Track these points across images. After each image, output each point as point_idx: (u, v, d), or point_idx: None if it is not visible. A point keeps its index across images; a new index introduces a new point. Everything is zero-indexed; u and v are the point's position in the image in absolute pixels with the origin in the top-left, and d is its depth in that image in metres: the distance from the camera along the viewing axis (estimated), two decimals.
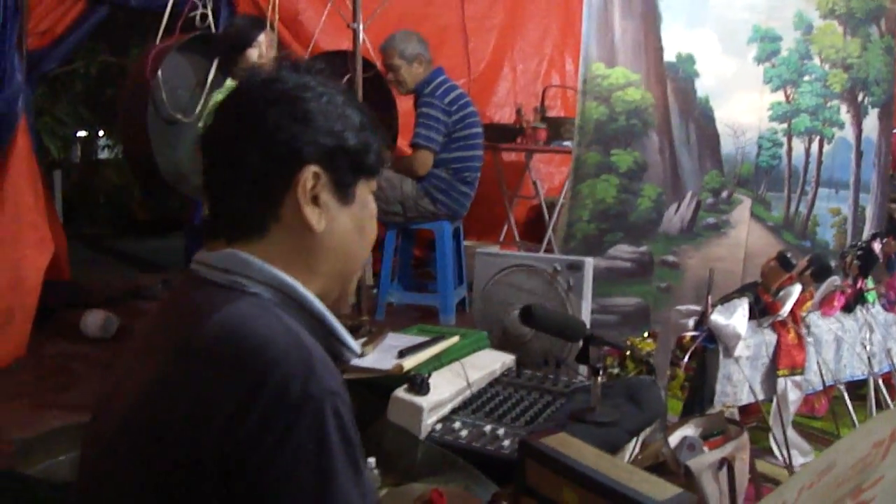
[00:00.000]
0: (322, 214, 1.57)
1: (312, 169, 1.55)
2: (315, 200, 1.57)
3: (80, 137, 12.09)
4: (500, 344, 3.75)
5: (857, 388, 4.22)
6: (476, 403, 3.12)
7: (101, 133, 11.94)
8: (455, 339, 3.48)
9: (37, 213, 4.84)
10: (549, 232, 6.92)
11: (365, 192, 1.67)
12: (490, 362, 3.43)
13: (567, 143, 6.53)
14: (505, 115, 7.95)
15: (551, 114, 7.48)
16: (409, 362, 3.18)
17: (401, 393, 3.03)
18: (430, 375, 3.12)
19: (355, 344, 1.65)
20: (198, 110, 5.10)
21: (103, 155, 12.45)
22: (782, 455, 3.38)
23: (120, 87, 7.16)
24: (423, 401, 2.98)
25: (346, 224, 1.63)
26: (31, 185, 4.84)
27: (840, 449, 1.40)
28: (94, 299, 5.67)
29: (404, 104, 6.31)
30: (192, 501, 1.32)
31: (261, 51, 4.69)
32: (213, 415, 1.31)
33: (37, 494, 2.69)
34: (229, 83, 4.69)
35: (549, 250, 6.56)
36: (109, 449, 1.45)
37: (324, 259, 1.61)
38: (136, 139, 5.01)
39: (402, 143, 6.41)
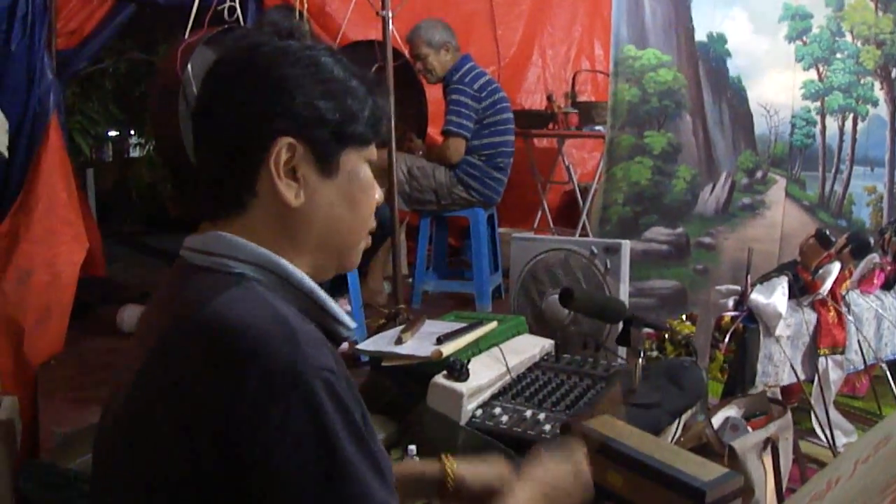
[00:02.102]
0: (300, 188, 1.51)
1: (286, 140, 1.48)
2: (293, 173, 1.50)
3: (111, 137, 12.14)
4: (538, 329, 3.73)
5: None
6: (516, 388, 3.11)
7: (132, 132, 11.99)
8: (493, 324, 3.46)
9: (71, 209, 4.86)
10: (584, 217, 6.90)
11: (354, 163, 1.59)
12: (529, 347, 3.42)
13: (599, 127, 6.52)
14: (536, 102, 7.93)
15: (582, 99, 7.46)
16: (448, 348, 3.16)
17: (440, 379, 3.03)
18: (469, 361, 3.11)
19: (349, 320, 1.59)
20: None
21: (135, 153, 12.50)
22: (825, 435, 3.35)
23: (149, 84, 7.17)
24: (462, 387, 2.97)
25: (331, 197, 1.55)
26: (65, 183, 4.86)
27: (894, 420, 1.38)
28: (130, 295, 5.68)
29: (433, 93, 6.29)
30: (193, 499, 1.30)
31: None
32: (202, 409, 1.28)
33: (77, 487, 2.70)
34: None
35: (583, 235, 6.55)
36: (110, 446, 1.44)
37: (308, 234, 1.55)
38: (167, 134, 5.01)
39: (433, 131, 6.39)
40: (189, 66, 4.79)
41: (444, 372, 3.05)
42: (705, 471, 2.03)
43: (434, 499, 1.94)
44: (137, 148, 12.10)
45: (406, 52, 5.97)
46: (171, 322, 1.41)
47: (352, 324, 1.59)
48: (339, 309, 1.56)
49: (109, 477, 1.43)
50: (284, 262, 1.49)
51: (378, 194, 1.67)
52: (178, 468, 1.29)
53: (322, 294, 1.53)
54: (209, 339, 1.32)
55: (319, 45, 1.59)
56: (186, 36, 5.09)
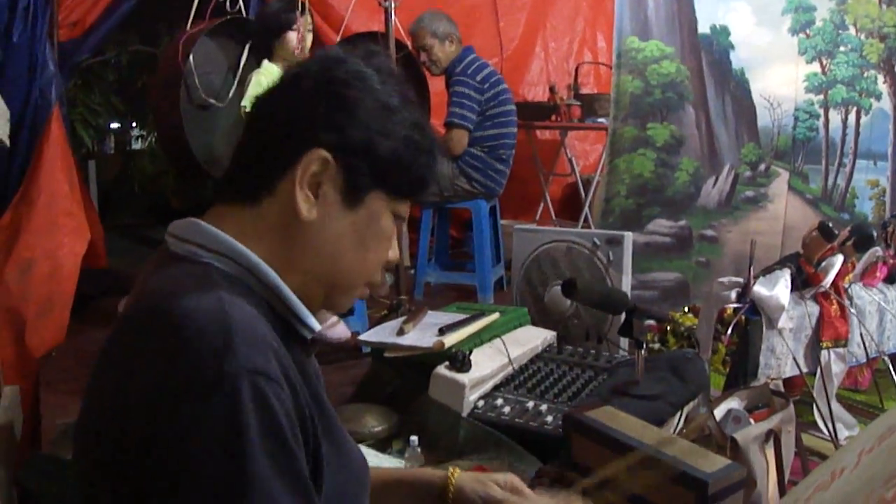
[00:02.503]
0: (315, 205, 1.46)
1: (323, 153, 1.43)
2: (315, 189, 1.46)
3: (113, 129, 12.15)
4: (541, 320, 3.73)
5: None
6: (518, 380, 3.11)
7: (134, 124, 11.99)
8: (495, 315, 3.47)
9: (72, 201, 4.85)
10: (586, 209, 6.89)
11: (380, 207, 1.52)
12: (531, 338, 3.42)
13: (601, 119, 6.51)
14: (538, 94, 7.93)
15: (585, 91, 7.45)
16: (450, 339, 3.17)
17: (442, 370, 3.03)
18: (471, 352, 3.11)
19: (314, 321, 1.51)
20: (230, 94, 5.10)
21: (136, 146, 12.50)
22: (827, 428, 3.34)
23: (151, 76, 7.17)
24: (464, 378, 2.97)
25: (343, 228, 1.50)
26: (66, 174, 4.85)
27: None
28: (131, 286, 5.67)
29: (436, 85, 6.28)
30: (125, 487, 1.25)
31: (300, 33, 4.69)
32: (131, 396, 1.24)
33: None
34: (266, 63, 4.68)
35: (586, 227, 6.54)
36: (76, 435, 1.40)
37: (305, 254, 1.49)
38: (169, 125, 5.01)
39: (436, 123, 6.38)
40: (191, 57, 4.80)
41: (446, 363, 3.05)
42: (708, 462, 2.02)
43: None
44: (139, 140, 12.11)
45: (409, 44, 5.96)
46: (130, 311, 1.40)
47: (316, 325, 1.51)
48: (304, 308, 1.49)
49: (78, 457, 1.40)
50: (253, 255, 1.44)
51: (393, 253, 1.63)
52: (110, 451, 1.26)
53: (287, 291, 1.46)
54: (149, 329, 1.29)
55: (399, 85, 1.55)
56: (188, 27, 5.09)
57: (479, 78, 5.67)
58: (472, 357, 3.07)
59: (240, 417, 1.19)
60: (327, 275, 1.52)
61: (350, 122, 1.46)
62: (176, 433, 1.19)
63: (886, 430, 1.32)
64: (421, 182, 1.57)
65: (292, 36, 4.67)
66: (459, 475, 1.86)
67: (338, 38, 5.90)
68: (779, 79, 5.09)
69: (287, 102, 1.49)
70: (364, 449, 1.84)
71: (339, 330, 4.07)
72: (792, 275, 3.65)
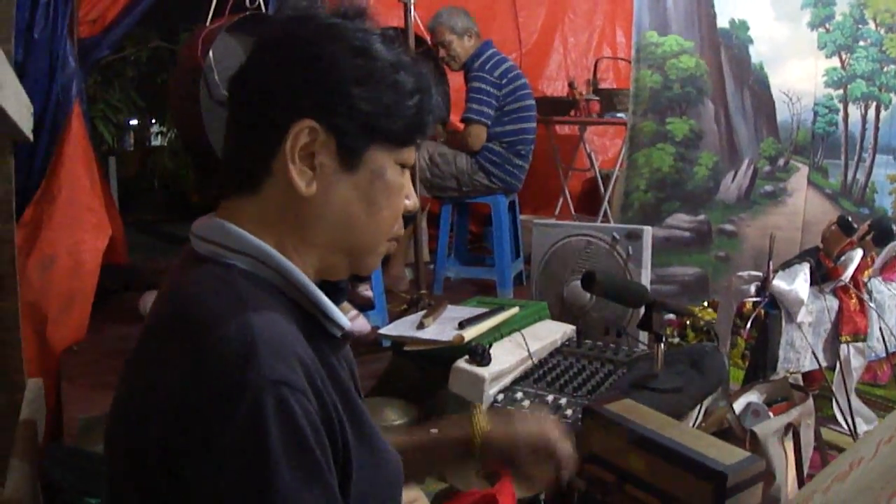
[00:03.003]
0: (314, 177, 1.41)
1: (308, 123, 1.38)
2: (310, 160, 1.41)
3: (132, 126, 12.19)
4: (560, 314, 3.75)
5: None
6: (538, 373, 3.12)
7: (153, 121, 12.03)
8: (515, 309, 3.47)
9: (93, 196, 4.86)
10: (605, 204, 6.91)
11: (381, 161, 1.47)
12: (551, 332, 3.43)
13: (620, 114, 6.52)
14: (557, 89, 7.94)
15: (604, 86, 7.47)
16: (470, 333, 3.17)
17: (462, 364, 3.03)
18: (490, 346, 3.11)
19: (343, 318, 1.48)
20: None
21: (156, 142, 12.54)
22: (846, 422, 3.34)
23: (171, 72, 7.20)
24: (484, 371, 2.98)
25: (347, 193, 1.45)
26: (87, 170, 4.87)
27: None
28: (152, 281, 5.70)
29: (455, 81, 6.29)
30: (150, 495, 1.25)
31: None
32: (158, 403, 1.23)
33: (100, 469, 2.71)
34: None
35: (605, 222, 6.55)
36: (109, 429, 1.39)
37: (318, 229, 1.45)
38: (190, 121, 5.01)
39: (455, 119, 6.39)
40: (210, 54, 4.81)
41: (466, 357, 3.06)
42: (727, 455, 2.03)
43: (464, 460, 1.89)
44: (159, 136, 12.14)
45: (428, 39, 5.96)
46: (159, 313, 1.39)
47: (346, 323, 1.48)
48: (333, 306, 1.46)
49: (108, 458, 1.39)
50: (277, 254, 1.40)
51: (410, 201, 1.56)
52: (136, 457, 1.26)
53: (314, 289, 1.43)
54: (174, 337, 1.28)
55: (376, 29, 1.48)
56: (208, 23, 5.11)
57: (497, 73, 5.68)
58: (491, 351, 3.08)
59: (263, 428, 1.18)
60: (345, 243, 1.49)
61: (328, 82, 1.40)
62: (199, 443, 1.18)
63: None
64: (417, 124, 1.49)
65: None
66: (484, 424, 1.85)
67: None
68: (798, 73, 5.08)
69: (261, 77, 1.43)
70: None
71: (359, 324, 4.08)
72: (811, 269, 3.64)
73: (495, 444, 1.84)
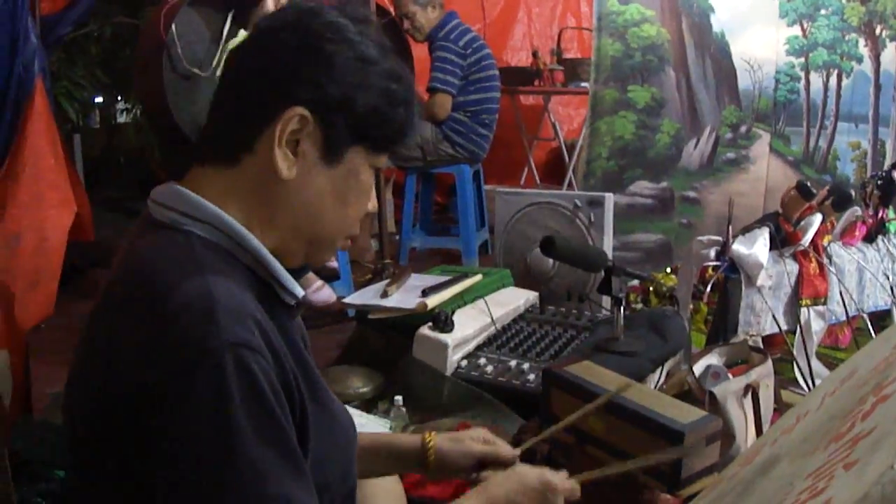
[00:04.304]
0: (295, 164, 1.43)
1: (300, 111, 1.40)
2: (295, 146, 1.43)
3: (98, 103, 12.11)
4: (523, 281, 3.77)
5: (880, 320, 4.22)
6: (500, 339, 3.15)
7: (119, 98, 11.95)
8: (478, 277, 3.50)
9: (58, 173, 4.83)
10: (570, 173, 6.93)
11: (359, 162, 1.50)
12: (514, 299, 3.46)
13: (584, 84, 6.51)
14: (521, 59, 7.93)
15: (568, 55, 7.46)
16: (433, 300, 3.20)
17: (425, 330, 3.06)
18: (454, 313, 3.14)
19: (297, 287, 1.50)
20: (214, 63, 5.10)
21: (122, 119, 12.44)
22: (807, 385, 3.39)
23: (135, 48, 7.15)
24: (447, 338, 3.00)
25: (322, 185, 1.48)
26: (51, 147, 4.83)
27: (860, 355, 1.41)
28: None
29: (419, 52, 6.28)
30: (112, 459, 1.28)
31: (278, 2, 4.68)
32: (118, 368, 1.26)
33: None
34: (243, 33, 4.67)
35: (570, 191, 6.56)
36: (65, 402, 1.41)
37: (286, 212, 1.47)
38: (153, 96, 5.00)
39: (419, 89, 6.39)
40: (173, 28, 4.79)
41: (430, 324, 3.08)
42: (684, 414, 2.05)
43: (415, 472, 1.97)
44: (124, 113, 12.05)
45: (392, 11, 5.96)
46: (116, 279, 1.41)
47: (299, 291, 1.50)
48: (287, 275, 1.48)
49: (69, 424, 1.41)
50: (235, 223, 1.42)
51: (371, 205, 1.60)
52: (97, 423, 1.28)
53: (269, 257, 1.45)
54: (133, 303, 1.30)
55: (377, 37, 1.51)
56: None
57: (461, 43, 5.68)
58: (455, 318, 3.10)
59: (225, 390, 1.20)
60: (308, 231, 1.51)
61: (328, 77, 1.42)
62: (162, 407, 1.20)
63: (848, 373, 1.36)
64: (399, 133, 1.54)
65: (269, 3, 4.66)
66: (435, 439, 1.89)
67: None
68: (759, 42, 5.12)
69: (263, 58, 1.46)
70: (350, 410, 1.86)
71: (324, 294, 4.08)
72: (771, 233, 3.69)
73: (447, 456, 1.89)
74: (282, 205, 1.47)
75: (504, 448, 1.93)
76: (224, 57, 4.99)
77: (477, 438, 1.92)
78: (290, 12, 1.50)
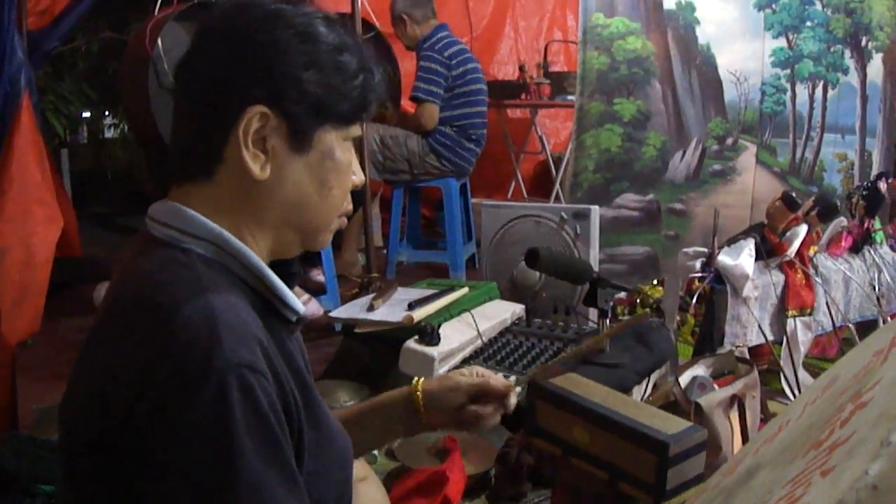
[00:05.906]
0: (267, 162, 1.43)
1: (259, 109, 1.39)
2: (262, 144, 1.42)
3: (85, 118, 12.10)
4: (510, 294, 3.77)
5: (867, 330, 4.22)
6: (487, 352, 3.16)
7: (106, 113, 11.94)
8: (464, 290, 3.50)
9: (45, 189, 4.82)
10: (557, 186, 6.95)
11: (330, 141, 1.50)
12: (500, 312, 3.46)
13: (571, 97, 6.54)
14: (508, 73, 7.97)
15: (554, 69, 7.50)
16: (419, 314, 3.20)
17: (412, 344, 3.06)
18: (440, 326, 3.14)
19: (298, 303, 1.51)
20: None
21: (109, 134, 12.44)
22: (794, 395, 3.39)
23: (122, 62, 7.16)
24: (434, 351, 3.01)
25: (299, 174, 1.47)
26: (38, 162, 4.83)
27: (842, 363, 1.42)
28: (105, 273, 5.68)
29: (406, 65, 6.30)
30: (109, 471, 1.26)
31: None
32: (119, 385, 1.24)
33: (52, 457, 2.73)
34: None
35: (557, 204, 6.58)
36: (61, 419, 1.40)
37: (272, 210, 1.48)
38: (140, 111, 5.00)
39: (406, 103, 6.40)
40: (159, 42, 4.79)
41: (416, 337, 3.08)
42: (669, 425, 2.04)
43: (409, 426, 1.98)
44: (112, 128, 12.05)
45: (377, 25, 5.97)
46: (117, 295, 1.40)
47: (300, 308, 1.51)
48: (288, 291, 1.49)
49: (64, 442, 1.40)
50: (234, 239, 1.42)
51: (357, 177, 1.59)
52: (95, 442, 1.27)
53: (271, 275, 1.45)
54: (135, 320, 1.29)
55: (317, 13, 1.49)
56: (156, 12, 5.09)
57: (447, 54, 5.69)
58: (441, 331, 3.11)
59: (227, 410, 1.19)
60: (298, 223, 1.52)
61: (276, 68, 1.41)
62: (164, 426, 1.20)
63: (829, 381, 1.36)
64: (362, 103, 1.52)
65: None
66: (422, 382, 1.94)
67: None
68: (745, 53, 5.13)
69: (207, 66, 1.44)
70: None
71: (311, 307, 4.09)
72: (756, 244, 3.69)
73: (437, 395, 1.93)
74: (265, 205, 1.47)
75: (496, 379, 1.98)
76: None
77: (467, 373, 1.97)
78: (222, 11, 1.49)
